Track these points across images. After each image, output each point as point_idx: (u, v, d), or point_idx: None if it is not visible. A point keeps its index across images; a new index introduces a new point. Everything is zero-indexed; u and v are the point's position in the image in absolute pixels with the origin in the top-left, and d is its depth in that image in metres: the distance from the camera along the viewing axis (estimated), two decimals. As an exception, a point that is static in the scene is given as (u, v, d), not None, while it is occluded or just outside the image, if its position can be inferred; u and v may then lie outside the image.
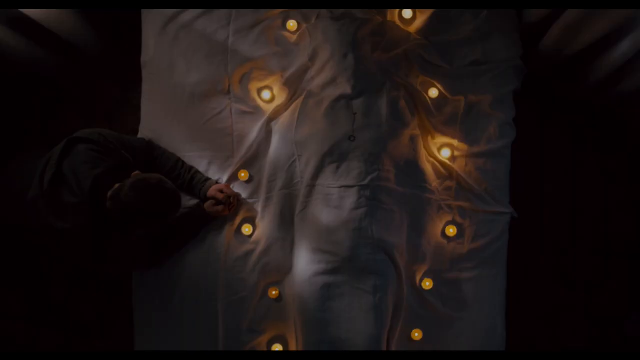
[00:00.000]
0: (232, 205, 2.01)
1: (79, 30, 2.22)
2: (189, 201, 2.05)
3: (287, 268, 2.04)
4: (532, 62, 2.28)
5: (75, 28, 2.20)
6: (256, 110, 2.12)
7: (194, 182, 2.01)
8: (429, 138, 2.15)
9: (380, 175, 1.96)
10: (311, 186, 1.98)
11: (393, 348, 1.98)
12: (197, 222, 2.01)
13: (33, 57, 2.19)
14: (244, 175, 2.08)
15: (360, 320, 1.88)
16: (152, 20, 2.13)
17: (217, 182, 2.04)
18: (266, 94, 2.11)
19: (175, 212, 1.74)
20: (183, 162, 2.03)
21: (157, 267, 2.00)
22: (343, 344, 1.88)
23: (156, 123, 2.11)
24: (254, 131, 2.09)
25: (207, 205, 1.98)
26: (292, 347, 2.01)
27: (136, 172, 1.73)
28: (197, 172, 2.04)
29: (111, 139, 1.79)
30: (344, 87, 2.01)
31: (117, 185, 1.68)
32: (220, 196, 1.98)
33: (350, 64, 2.01)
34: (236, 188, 2.08)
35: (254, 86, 2.13)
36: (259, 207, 2.07)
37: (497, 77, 2.16)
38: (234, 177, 2.09)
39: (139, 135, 2.10)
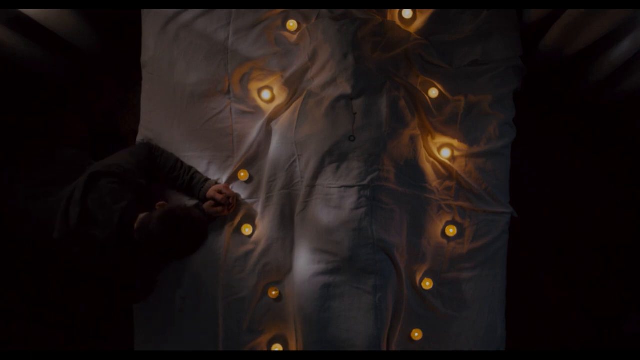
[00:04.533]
0: (231, 205, 2.01)
1: (79, 30, 2.22)
2: (188, 202, 2.05)
3: (287, 268, 2.04)
4: (532, 62, 2.28)
5: (75, 28, 2.20)
6: (256, 110, 2.12)
7: (193, 182, 2.01)
8: (429, 138, 2.15)
9: (380, 175, 1.96)
10: (311, 186, 1.98)
11: (393, 348, 1.98)
12: None
13: (33, 57, 2.19)
14: (243, 175, 2.08)
15: (360, 320, 1.88)
16: (152, 20, 2.13)
17: (216, 183, 2.04)
18: (266, 94, 2.11)
19: (203, 243, 1.83)
20: (182, 163, 2.02)
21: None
22: (343, 343, 1.88)
23: (156, 123, 2.11)
24: (254, 131, 2.09)
25: (206, 206, 1.98)
26: (292, 347, 2.02)
27: (161, 202, 1.78)
28: (197, 172, 2.04)
29: (127, 166, 1.82)
30: (344, 87, 2.01)
31: (142, 216, 1.73)
32: (219, 197, 1.98)
33: (350, 64, 2.01)
34: (236, 188, 2.08)
35: (254, 86, 2.13)
36: (258, 207, 2.07)
37: (497, 77, 2.16)
38: (233, 177, 2.09)
39: (139, 136, 2.10)
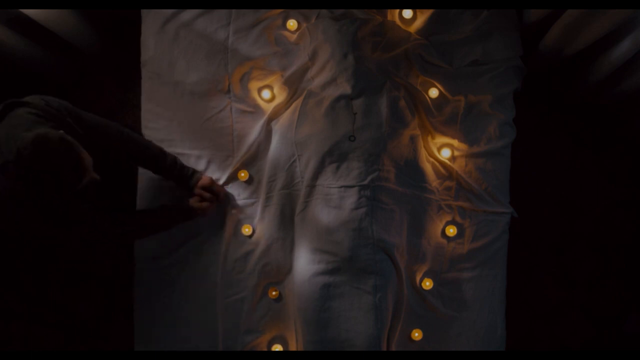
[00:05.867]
0: (219, 199, 2.01)
1: (79, 30, 2.22)
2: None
3: (287, 268, 2.04)
4: (532, 62, 2.28)
5: (75, 28, 2.20)
6: (256, 110, 2.12)
7: (183, 172, 1.97)
8: (429, 138, 2.15)
9: (381, 175, 1.96)
10: (311, 186, 1.98)
11: (393, 348, 1.98)
12: (180, 215, 1.96)
13: (33, 57, 2.19)
14: (243, 175, 2.08)
15: (360, 320, 1.88)
16: (152, 19, 2.13)
17: (203, 175, 2.02)
18: (266, 94, 2.11)
19: (81, 173, 1.52)
20: (167, 153, 1.95)
21: (124, 242, 1.93)
22: (343, 344, 1.88)
23: (156, 122, 2.11)
24: (254, 131, 2.09)
25: (193, 201, 1.97)
26: (292, 347, 2.02)
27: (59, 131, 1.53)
28: (182, 163, 1.99)
29: (56, 105, 1.63)
30: (344, 87, 2.01)
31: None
32: (206, 195, 1.97)
33: (350, 64, 2.01)
34: (236, 188, 2.08)
35: (254, 85, 2.13)
36: (258, 207, 2.07)
37: (497, 77, 2.16)
38: (233, 177, 2.09)
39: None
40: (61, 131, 1.51)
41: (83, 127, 1.71)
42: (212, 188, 2.00)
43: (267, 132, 2.11)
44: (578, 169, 2.50)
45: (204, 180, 1.99)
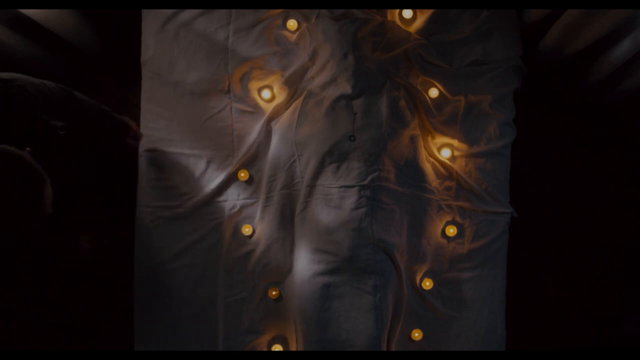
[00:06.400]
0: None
1: (79, 30, 2.22)
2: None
3: (287, 268, 2.04)
4: (532, 62, 2.28)
5: (75, 28, 2.20)
6: (256, 110, 2.12)
7: (113, 112, 1.91)
8: (429, 138, 2.15)
9: (381, 175, 1.96)
10: (311, 186, 1.98)
11: (393, 348, 1.98)
12: (101, 116, 1.85)
13: (33, 57, 2.19)
14: (243, 175, 2.08)
15: (360, 320, 1.88)
16: (152, 19, 2.13)
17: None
18: (266, 94, 2.11)
19: (40, 203, 1.36)
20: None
21: None
22: (343, 344, 1.88)
23: (156, 122, 2.11)
24: (254, 131, 2.09)
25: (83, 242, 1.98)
26: (292, 347, 2.02)
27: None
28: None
29: (31, 89, 1.52)
30: (344, 87, 2.00)
31: None
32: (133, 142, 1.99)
33: (350, 64, 2.01)
34: (236, 188, 2.08)
35: (254, 85, 2.13)
36: (258, 207, 2.07)
37: (497, 77, 2.16)
38: (233, 177, 2.09)
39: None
40: (27, 148, 1.36)
41: (48, 101, 1.56)
42: (136, 133, 1.99)
43: (267, 132, 2.11)
44: (578, 169, 2.51)
45: (130, 121, 1.95)
